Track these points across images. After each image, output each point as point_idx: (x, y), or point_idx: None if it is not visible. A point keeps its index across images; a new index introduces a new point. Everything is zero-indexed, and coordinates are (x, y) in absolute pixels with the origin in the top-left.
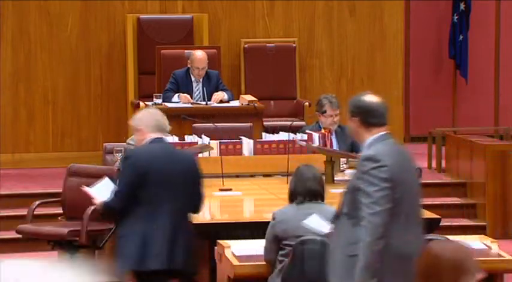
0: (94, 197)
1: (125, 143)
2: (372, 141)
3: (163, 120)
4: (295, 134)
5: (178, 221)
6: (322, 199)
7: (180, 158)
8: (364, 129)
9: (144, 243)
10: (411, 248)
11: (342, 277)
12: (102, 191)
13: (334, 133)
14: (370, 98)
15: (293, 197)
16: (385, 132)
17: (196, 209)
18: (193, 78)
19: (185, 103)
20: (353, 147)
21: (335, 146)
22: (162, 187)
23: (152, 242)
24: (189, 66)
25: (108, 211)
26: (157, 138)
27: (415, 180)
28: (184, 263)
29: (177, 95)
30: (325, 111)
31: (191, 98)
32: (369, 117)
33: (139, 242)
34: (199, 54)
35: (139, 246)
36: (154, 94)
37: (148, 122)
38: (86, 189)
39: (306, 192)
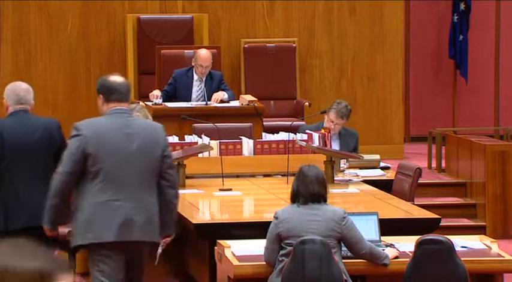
0: None
1: None
2: (105, 114)
3: (24, 93)
4: (295, 134)
5: (35, 186)
6: (325, 200)
7: (37, 128)
8: (106, 104)
9: (5, 207)
10: (111, 207)
11: None
12: None
13: (338, 135)
14: (113, 78)
15: (295, 198)
16: (120, 108)
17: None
18: (195, 78)
19: (151, 99)
20: (355, 150)
21: (337, 148)
22: (17, 157)
23: (9, 206)
24: (193, 64)
25: None
26: (17, 111)
27: (123, 150)
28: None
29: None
30: (327, 113)
31: (190, 97)
32: (110, 94)
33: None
34: (204, 53)
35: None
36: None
37: (9, 96)
38: None
39: (308, 194)
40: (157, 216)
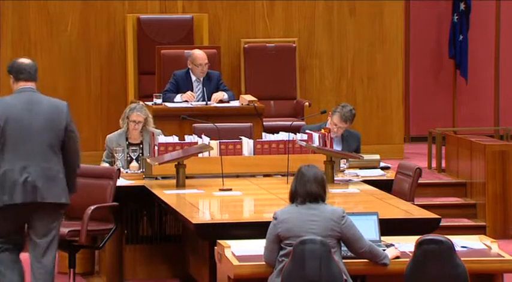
0: None
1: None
2: (15, 92)
3: None
4: (295, 134)
5: None
6: (323, 200)
7: None
8: (16, 83)
9: None
10: (18, 173)
11: None
12: None
13: (341, 137)
14: (22, 60)
15: (294, 198)
16: (27, 86)
17: None
18: (193, 79)
19: (190, 100)
20: (357, 151)
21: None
22: None
23: None
24: (189, 66)
25: None
26: None
27: (29, 123)
28: None
29: (179, 95)
30: (331, 115)
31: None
32: (19, 74)
33: None
34: (199, 52)
35: None
36: (154, 94)
37: None
38: None
39: (306, 194)
40: (62, 181)
